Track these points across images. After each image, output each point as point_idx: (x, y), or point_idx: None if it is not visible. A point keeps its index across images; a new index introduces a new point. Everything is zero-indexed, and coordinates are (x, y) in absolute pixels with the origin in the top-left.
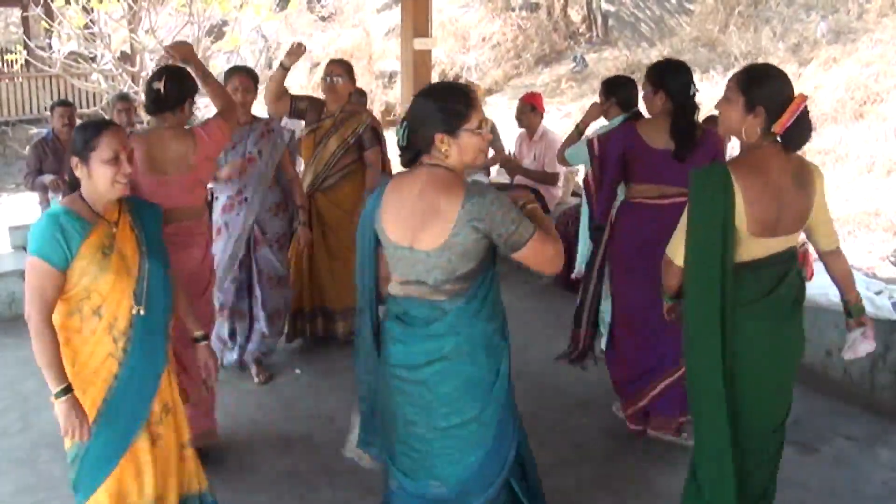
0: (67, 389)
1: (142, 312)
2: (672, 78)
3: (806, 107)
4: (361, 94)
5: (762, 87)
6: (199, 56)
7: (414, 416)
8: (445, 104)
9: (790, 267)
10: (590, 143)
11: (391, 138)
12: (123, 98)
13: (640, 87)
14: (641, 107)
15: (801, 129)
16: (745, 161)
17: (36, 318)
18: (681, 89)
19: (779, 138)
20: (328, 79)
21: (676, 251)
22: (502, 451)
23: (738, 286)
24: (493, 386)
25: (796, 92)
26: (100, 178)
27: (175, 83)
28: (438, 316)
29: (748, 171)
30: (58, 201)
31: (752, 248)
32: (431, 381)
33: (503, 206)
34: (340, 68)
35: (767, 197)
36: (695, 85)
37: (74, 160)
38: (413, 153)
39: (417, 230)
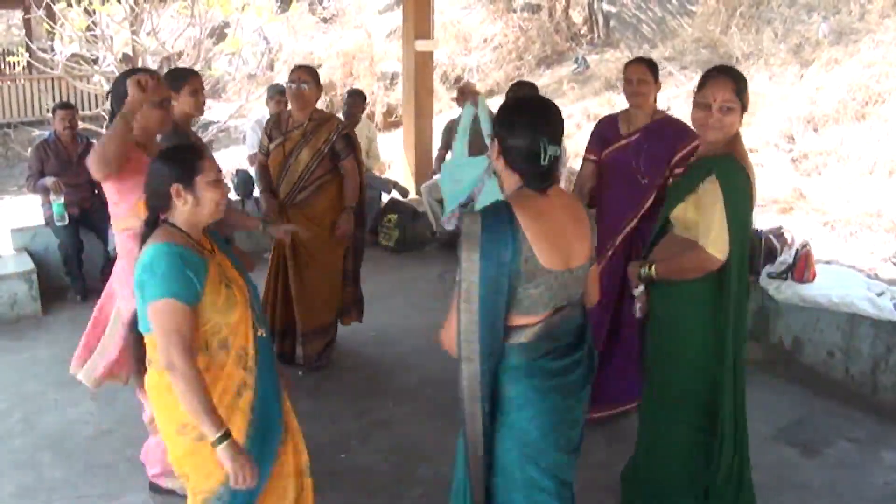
0: (228, 434)
1: (264, 334)
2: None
3: None
4: (360, 97)
5: (746, 89)
6: (201, 58)
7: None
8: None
9: None
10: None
11: (393, 139)
12: None
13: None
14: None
15: None
16: (741, 151)
17: (182, 363)
18: None
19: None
20: (294, 85)
21: (722, 246)
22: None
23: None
24: None
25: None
26: (207, 202)
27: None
28: (583, 328)
29: (744, 159)
30: (60, 203)
31: None
32: (585, 396)
33: None
34: (307, 74)
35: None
36: None
37: (175, 188)
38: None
39: (573, 248)
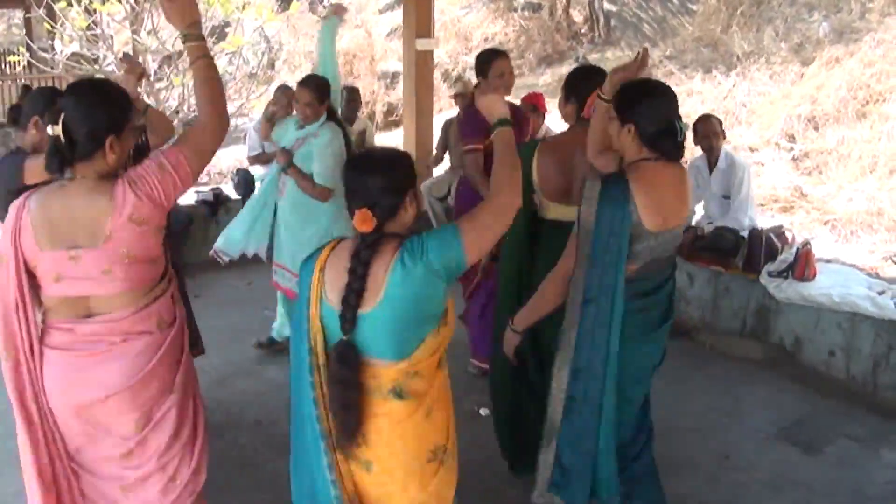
0: None
1: None
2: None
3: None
4: (354, 93)
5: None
6: None
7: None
8: None
9: None
10: None
11: (394, 139)
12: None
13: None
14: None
15: None
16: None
17: None
18: None
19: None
20: None
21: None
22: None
23: None
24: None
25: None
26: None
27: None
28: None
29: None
30: None
31: None
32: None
33: None
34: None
35: None
36: None
37: (411, 192)
38: None
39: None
